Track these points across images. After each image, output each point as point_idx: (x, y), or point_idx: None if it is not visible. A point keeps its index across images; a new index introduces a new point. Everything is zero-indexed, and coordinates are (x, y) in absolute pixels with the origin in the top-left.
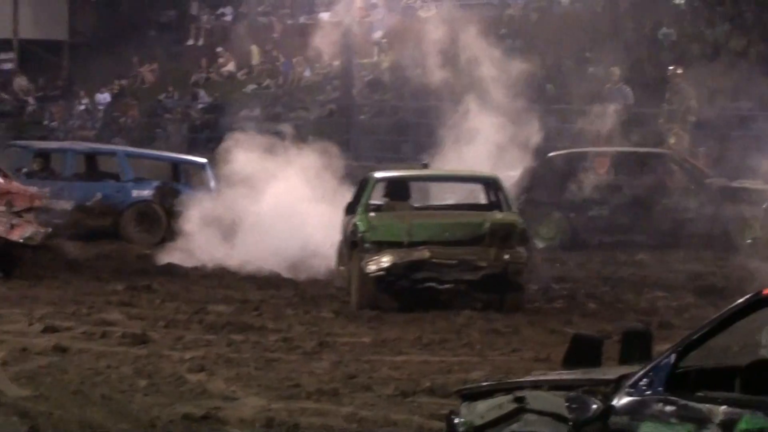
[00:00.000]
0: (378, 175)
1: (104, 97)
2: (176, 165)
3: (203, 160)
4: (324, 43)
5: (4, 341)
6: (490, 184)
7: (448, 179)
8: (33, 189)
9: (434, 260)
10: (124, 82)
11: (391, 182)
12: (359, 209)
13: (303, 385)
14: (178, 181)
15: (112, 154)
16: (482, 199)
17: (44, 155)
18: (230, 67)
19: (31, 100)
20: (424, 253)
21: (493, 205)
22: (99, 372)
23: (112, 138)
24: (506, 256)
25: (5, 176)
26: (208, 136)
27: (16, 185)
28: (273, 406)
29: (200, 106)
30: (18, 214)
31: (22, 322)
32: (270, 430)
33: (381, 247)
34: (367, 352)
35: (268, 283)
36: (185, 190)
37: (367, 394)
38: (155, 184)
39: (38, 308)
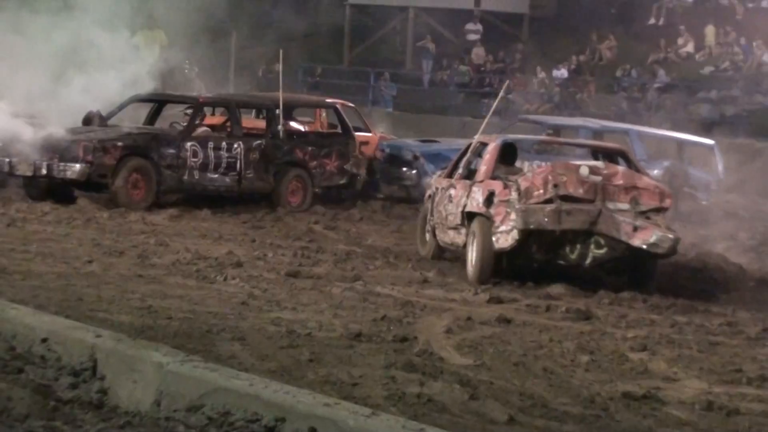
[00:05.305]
0: None
1: (561, 72)
2: (682, 145)
3: (711, 141)
4: None
5: (450, 309)
6: None
7: None
8: (663, 186)
9: None
10: (581, 57)
11: None
12: None
13: (745, 370)
14: (682, 161)
15: (625, 132)
16: None
17: (557, 131)
18: (688, 47)
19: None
20: None
21: None
22: (541, 345)
23: (567, 113)
24: None
25: (634, 167)
26: (663, 116)
27: (645, 180)
28: (713, 390)
29: (656, 85)
30: (644, 214)
31: (468, 290)
32: (709, 413)
33: None
34: None
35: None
36: (693, 172)
37: None
38: (665, 164)
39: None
